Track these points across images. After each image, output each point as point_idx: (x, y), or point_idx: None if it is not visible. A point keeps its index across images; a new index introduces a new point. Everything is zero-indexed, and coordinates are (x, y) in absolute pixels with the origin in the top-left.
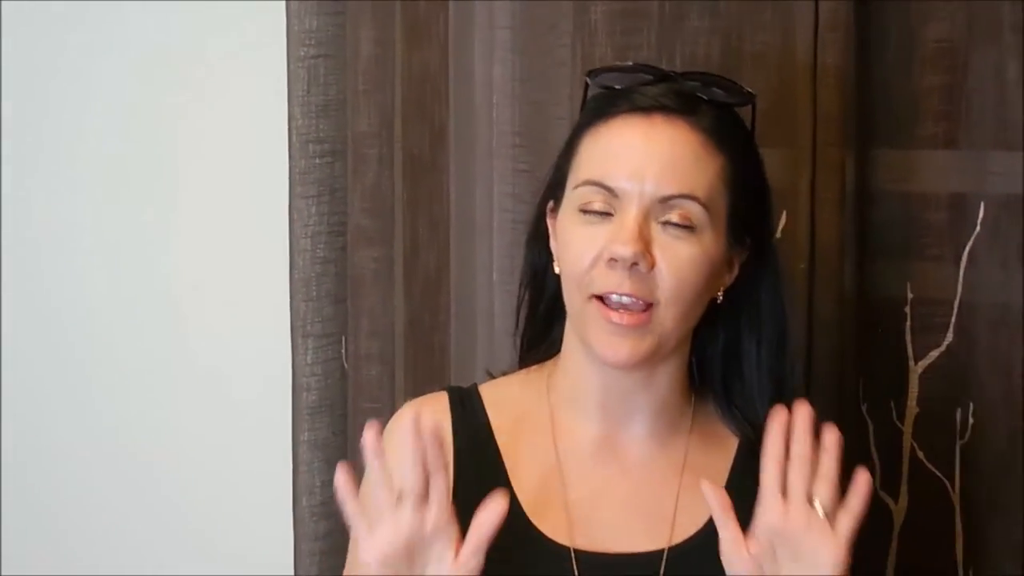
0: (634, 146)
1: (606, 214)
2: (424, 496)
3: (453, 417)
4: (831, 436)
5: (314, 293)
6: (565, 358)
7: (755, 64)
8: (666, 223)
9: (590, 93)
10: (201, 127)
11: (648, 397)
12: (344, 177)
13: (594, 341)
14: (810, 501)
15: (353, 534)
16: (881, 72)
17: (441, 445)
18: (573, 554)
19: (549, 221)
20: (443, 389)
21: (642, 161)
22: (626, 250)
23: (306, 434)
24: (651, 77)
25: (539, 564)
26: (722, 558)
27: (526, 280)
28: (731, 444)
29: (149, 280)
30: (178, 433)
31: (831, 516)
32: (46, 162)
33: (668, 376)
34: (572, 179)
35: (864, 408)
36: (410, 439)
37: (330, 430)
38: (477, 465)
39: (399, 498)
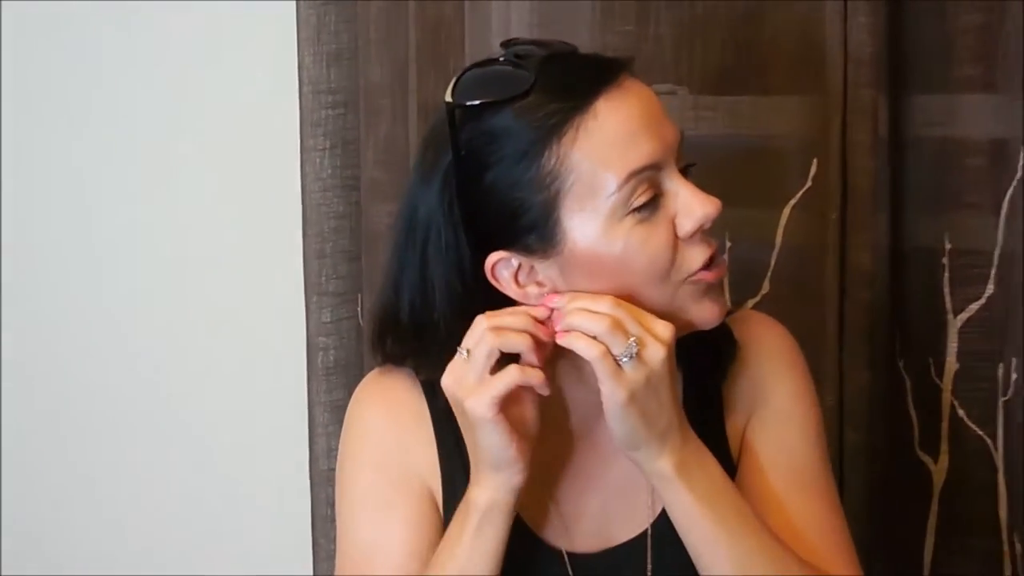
0: (640, 114)
1: (656, 198)
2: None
3: (428, 400)
4: None
5: (328, 250)
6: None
7: (783, 3)
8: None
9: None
10: (209, 77)
11: None
12: (357, 129)
13: (698, 313)
14: None
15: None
16: (913, 11)
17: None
18: (567, 558)
19: (503, 271)
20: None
21: (654, 123)
22: (715, 206)
23: (322, 396)
24: (530, 81)
25: (536, 569)
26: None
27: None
28: (677, 382)
29: (155, 238)
30: (191, 398)
31: None
32: (53, 108)
33: None
34: (589, 187)
35: (901, 364)
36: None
37: (347, 391)
38: (460, 456)
39: None
